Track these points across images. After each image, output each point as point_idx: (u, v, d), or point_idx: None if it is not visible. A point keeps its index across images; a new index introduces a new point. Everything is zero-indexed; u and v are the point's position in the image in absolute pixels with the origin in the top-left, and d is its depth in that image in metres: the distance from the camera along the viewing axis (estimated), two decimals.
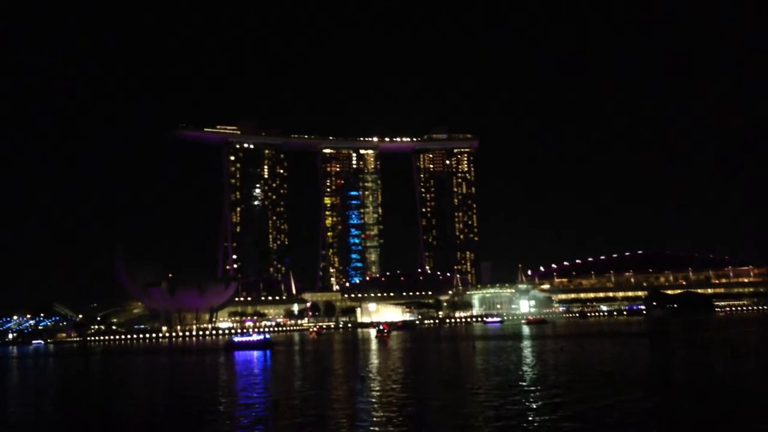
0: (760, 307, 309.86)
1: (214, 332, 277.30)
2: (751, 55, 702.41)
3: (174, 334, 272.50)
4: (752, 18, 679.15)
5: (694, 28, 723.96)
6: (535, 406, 41.18)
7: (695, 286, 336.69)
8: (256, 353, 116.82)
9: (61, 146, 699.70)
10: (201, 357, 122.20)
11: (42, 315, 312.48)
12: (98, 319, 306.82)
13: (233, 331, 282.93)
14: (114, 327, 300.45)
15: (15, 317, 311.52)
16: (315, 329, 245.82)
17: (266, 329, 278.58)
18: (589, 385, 50.92)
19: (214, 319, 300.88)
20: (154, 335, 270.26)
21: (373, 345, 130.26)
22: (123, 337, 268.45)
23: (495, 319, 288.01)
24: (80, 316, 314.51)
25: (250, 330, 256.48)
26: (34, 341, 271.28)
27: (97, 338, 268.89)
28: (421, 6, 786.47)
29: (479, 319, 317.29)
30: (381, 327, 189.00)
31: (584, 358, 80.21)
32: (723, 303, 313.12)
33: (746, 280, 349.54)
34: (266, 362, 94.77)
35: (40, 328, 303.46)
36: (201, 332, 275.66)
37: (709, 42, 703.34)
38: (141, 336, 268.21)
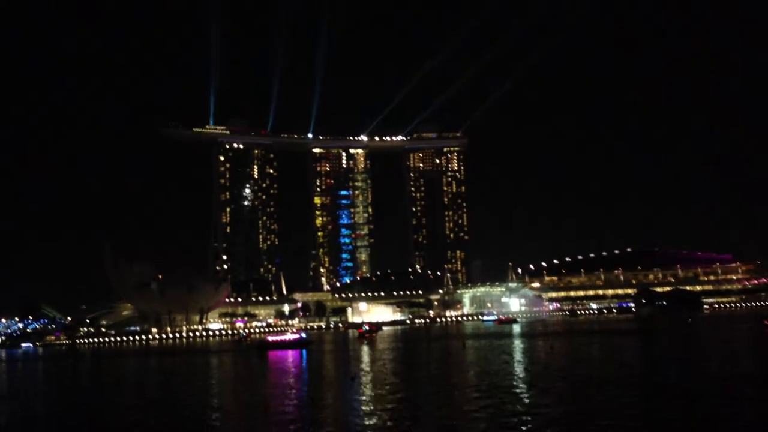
0: (748, 304, 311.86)
1: (204, 333, 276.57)
2: (750, 54, 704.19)
3: (164, 335, 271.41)
4: (752, 17, 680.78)
5: (689, 26, 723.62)
6: (523, 407, 41.48)
7: (684, 283, 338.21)
8: (291, 353, 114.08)
9: (47, 146, 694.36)
10: (235, 358, 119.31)
11: (30, 317, 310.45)
12: (87, 321, 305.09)
13: (223, 332, 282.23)
14: (103, 329, 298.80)
15: (3, 320, 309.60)
16: (294, 330, 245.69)
17: (257, 330, 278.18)
18: (577, 385, 51.26)
19: (204, 320, 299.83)
20: (144, 337, 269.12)
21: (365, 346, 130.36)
22: (113, 339, 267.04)
23: (491, 317, 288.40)
24: (69, 318, 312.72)
25: (245, 327, 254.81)
26: (23, 344, 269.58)
27: (86, 341, 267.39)
28: (410, 4, 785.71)
29: (471, 317, 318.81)
30: (366, 327, 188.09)
31: (573, 357, 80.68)
32: (711, 300, 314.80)
33: (734, 277, 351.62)
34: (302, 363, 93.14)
35: (28, 330, 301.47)
36: (192, 334, 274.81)
37: (706, 39, 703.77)
38: (131, 338, 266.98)
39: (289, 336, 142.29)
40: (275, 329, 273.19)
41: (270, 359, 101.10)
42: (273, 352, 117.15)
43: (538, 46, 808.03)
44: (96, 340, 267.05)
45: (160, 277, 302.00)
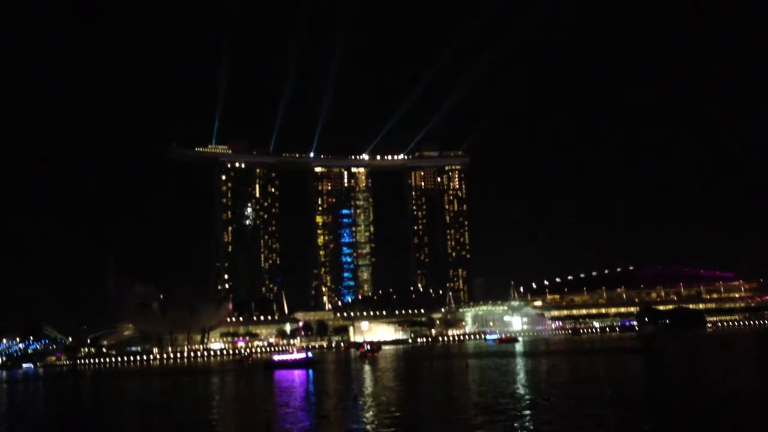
0: (751, 323, 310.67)
1: (205, 353, 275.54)
2: (750, 54, 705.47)
3: (166, 355, 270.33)
4: (751, 17, 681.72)
5: (689, 26, 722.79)
6: (527, 427, 41.29)
7: (686, 301, 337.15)
8: (297, 372, 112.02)
9: (47, 166, 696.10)
10: (237, 377, 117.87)
11: (31, 338, 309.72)
12: (88, 341, 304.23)
13: (225, 351, 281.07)
14: (104, 349, 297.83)
15: (4, 341, 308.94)
16: (297, 349, 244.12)
17: (258, 349, 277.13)
18: (580, 404, 50.99)
19: (206, 340, 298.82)
20: (145, 357, 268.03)
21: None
22: (114, 359, 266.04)
23: (493, 336, 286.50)
24: (70, 338, 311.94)
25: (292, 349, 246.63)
26: (24, 365, 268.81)
27: (87, 361, 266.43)
28: (411, 23, 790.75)
29: (473, 336, 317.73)
30: (367, 346, 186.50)
31: (577, 376, 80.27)
32: (714, 318, 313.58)
33: (737, 295, 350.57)
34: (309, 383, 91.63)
35: (29, 351, 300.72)
36: (193, 353, 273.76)
37: (706, 39, 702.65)
38: (132, 358, 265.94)
39: (296, 355, 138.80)
40: (277, 349, 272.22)
41: (276, 379, 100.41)
42: (279, 372, 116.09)
43: (538, 47, 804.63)
44: (97, 360, 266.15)
45: (161, 296, 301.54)
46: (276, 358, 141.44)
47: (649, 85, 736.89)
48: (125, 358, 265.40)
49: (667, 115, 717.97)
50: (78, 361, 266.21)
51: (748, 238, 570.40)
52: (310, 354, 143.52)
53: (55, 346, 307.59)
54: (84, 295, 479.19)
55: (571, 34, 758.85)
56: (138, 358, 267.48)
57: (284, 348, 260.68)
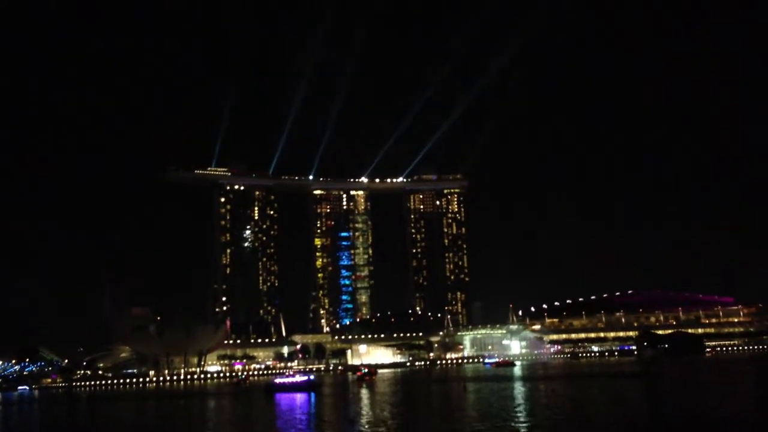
0: (750, 347, 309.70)
1: (202, 376, 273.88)
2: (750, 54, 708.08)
3: (162, 378, 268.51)
4: (751, 17, 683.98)
5: (689, 26, 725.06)
6: None
7: (685, 325, 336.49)
8: (299, 396, 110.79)
9: (48, 165, 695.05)
10: (233, 400, 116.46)
11: (27, 360, 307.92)
12: (84, 363, 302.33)
13: (222, 374, 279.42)
14: (100, 372, 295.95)
15: (0, 362, 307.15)
16: (292, 372, 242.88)
17: (256, 372, 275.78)
18: (580, 429, 50.88)
19: (203, 363, 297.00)
20: (141, 380, 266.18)
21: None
22: (110, 382, 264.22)
23: (493, 360, 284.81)
24: (66, 360, 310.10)
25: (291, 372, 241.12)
26: (19, 387, 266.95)
27: (83, 383, 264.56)
28: (408, 45, 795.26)
29: (472, 360, 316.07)
30: (364, 369, 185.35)
31: (576, 400, 79.95)
32: (713, 343, 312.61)
33: (736, 320, 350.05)
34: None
35: (25, 373, 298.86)
36: (189, 376, 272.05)
37: (706, 55, 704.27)
38: (128, 381, 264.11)
39: (297, 378, 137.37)
40: (274, 371, 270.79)
41: (277, 402, 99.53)
42: (280, 395, 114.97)
43: (538, 47, 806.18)
44: (93, 382, 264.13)
45: (158, 318, 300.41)
46: (277, 381, 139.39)
47: (649, 85, 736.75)
48: (121, 381, 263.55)
49: (667, 115, 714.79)
50: (74, 384, 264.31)
51: (747, 263, 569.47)
52: (311, 377, 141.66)
53: (50, 368, 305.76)
54: (84, 295, 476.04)
55: (571, 34, 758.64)
56: (134, 380, 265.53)
57: (282, 371, 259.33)
